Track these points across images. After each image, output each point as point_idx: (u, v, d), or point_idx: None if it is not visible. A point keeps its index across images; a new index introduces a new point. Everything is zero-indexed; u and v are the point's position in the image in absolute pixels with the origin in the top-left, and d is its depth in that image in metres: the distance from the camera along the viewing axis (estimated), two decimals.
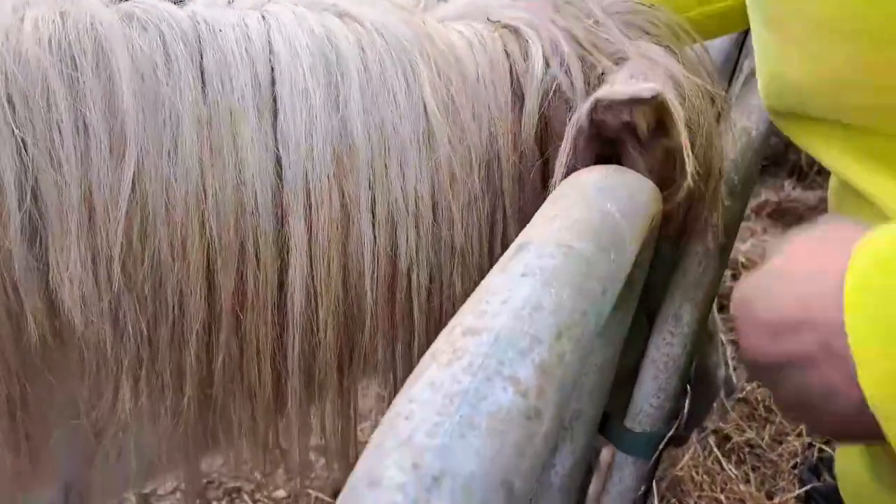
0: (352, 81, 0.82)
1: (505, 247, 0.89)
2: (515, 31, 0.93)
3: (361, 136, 0.82)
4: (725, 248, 1.02)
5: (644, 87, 0.79)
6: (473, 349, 0.45)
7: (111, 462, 0.94)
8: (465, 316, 0.49)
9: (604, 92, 0.82)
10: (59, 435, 0.88)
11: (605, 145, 0.87)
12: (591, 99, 0.82)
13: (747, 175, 1.07)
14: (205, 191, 0.77)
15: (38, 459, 0.86)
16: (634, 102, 0.80)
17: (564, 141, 0.85)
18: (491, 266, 0.90)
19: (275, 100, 0.80)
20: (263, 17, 0.84)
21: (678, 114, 0.81)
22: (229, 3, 0.87)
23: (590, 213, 0.65)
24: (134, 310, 0.77)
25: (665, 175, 0.87)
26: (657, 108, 0.80)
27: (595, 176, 0.75)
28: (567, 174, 0.84)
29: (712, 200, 0.96)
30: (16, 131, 0.71)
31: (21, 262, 0.73)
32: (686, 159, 0.82)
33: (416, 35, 0.88)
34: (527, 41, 0.91)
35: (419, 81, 0.85)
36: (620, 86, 0.82)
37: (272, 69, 0.81)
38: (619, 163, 0.88)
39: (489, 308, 0.49)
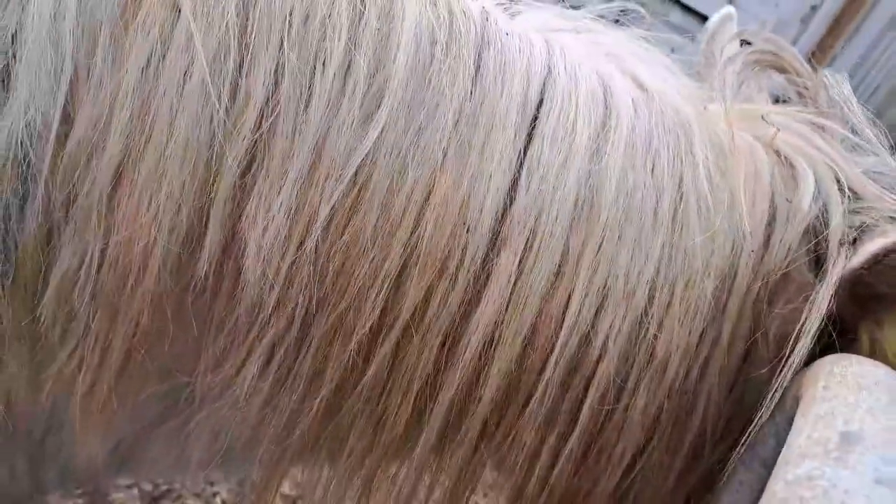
0: (620, 135, 0.73)
1: (703, 378, 0.80)
2: (787, 160, 0.83)
3: (611, 195, 0.72)
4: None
5: None
6: None
7: (181, 435, 0.82)
8: None
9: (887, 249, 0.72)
10: (151, 388, 0.77)
11: (851, 305, 0.77)
12: (890, 239, 0.71)
13: None
14: (434, 187, 0.67)
15: (123, 405, 0.75)
16: None
17: (822, 291, 0.75)
18: (685, 394, 0.81)
19: (535, 120, 0.72)
20: (548, 43, 0.76)
21: None
22: (512, 16, 0.80)
23: None
24: (309, 281, 0.67)
25: None
26: None
27: (883, 371, 0.64)
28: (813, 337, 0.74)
29: None
30: (285, 46, 0.63)
31: (227, 186, 0.64)
32: None
33: (696, 116, 0.79)
34: (795, 170, 0.82)
35: (689, 163, 0.76)
36: None
37: (543, 89, 0.73)
38: (853, 331, 0.78)
39: None
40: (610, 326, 0.73)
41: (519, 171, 0.70)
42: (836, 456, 0.49)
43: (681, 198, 0.75)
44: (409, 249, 0.68)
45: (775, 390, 0.74)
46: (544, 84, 0.73)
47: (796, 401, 0.69)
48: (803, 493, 0.44)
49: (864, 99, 5.65)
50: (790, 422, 0.70)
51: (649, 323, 0.74)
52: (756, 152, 0.82)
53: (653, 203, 0.74)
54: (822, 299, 0.76)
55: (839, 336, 0.79)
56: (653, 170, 0.74)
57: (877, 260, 0.75)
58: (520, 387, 0.74)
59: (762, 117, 0.84)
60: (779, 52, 0.92)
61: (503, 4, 0.81)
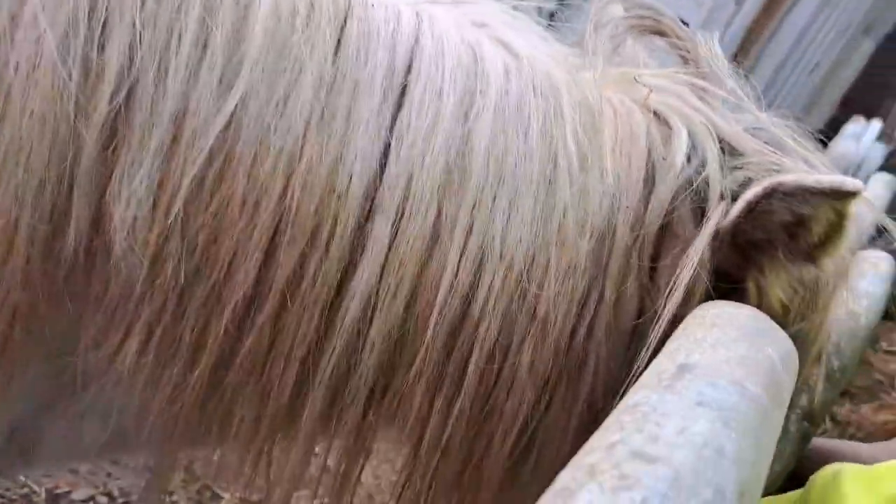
0: (488, 101, 0.75)
1: (591, 335, 0.82)
2: (663, 119, 0.86)
3: (481, 159, 0.74)
4: (806, 437, 0.90)
5: (846, 180, 0.72)
6: (648, 483, 0.38)
7: (73, 416, 0.82)
8: (630, 432, 0.43)
9: (787, 178, 0.75)
10: (36, 369, 0.77)
11: (735, 256, 0.80)
12: (766, 183, 0.74)
13: (848, 364, 0.97)
14: (300, 155, 0.68)
15: (8, 385, 0.75)
16: (828, 195, 0.73)
17: (696, 243, 0.77)
18: (572, 351, 0.83)
19: (404, 89, 0.73)
20: (418, 15, 0.77)
21: (849, 231, 0.74)
22: None
23: (756, 354, 0.57)
24: (179, 253, 0.68)
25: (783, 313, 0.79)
26: (840, 214, 0.74)
27: (746, 312, 0.67)
28: (687, 289, 0.77)
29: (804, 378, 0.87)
30: (137, 23, 0.64)
31: (88, 161, 0.64)
32: (828, 296, 0.74)
33: (567, 81, 0.81)
34: (670, 129, 0.84)
35: (559, 125, 0.78)
36: (809, 175, 0.75)
37: (412, 58, 0.74)
38: (742, 281, 0.81)
39: (662, 434, 0.43)
40: (489, 288, 0.75)
41: (389, 138, 0.72)
42: (666, 384, 0.51)
43: (552, 161, 0.76)
44: (277, 218, 0.69)
45: (650, 343, 0.77)
46: (412, 53, 0.74)
47: None
48: (624, 419, 0.46)
49: (805, 75, 5.74)
50: None
51: (528, 284, 0.76)
52: (632, 114, 0.85)
53: (525, 166, 0.75)
54: (696, 250, 0.79)
55: (732, 289, 0.82)
56: (525, 134, 0.76)
57: (750, 208, 0.77)
58: (403, 351, 0.75)
59: (635, 79, 0.87)
60: (657, 16, 0.95)
61: None
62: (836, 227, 0.76)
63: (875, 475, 0.74)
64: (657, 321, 0.78)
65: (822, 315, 0.85)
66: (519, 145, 0.76)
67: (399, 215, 0.72)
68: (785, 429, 0.86)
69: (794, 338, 0.84)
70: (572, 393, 0.82)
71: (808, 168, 0.85)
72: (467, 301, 0.75)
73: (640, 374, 0.75)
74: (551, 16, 1.04)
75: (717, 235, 0.80)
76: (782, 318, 0.82)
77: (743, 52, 4.38)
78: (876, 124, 4.15)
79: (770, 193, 0.76)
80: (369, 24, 0.73)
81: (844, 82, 6.20)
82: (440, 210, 0.73)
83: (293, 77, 0.69)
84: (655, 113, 0.86)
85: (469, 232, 0.74)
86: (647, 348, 0.77)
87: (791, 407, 0.87)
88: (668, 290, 0.79)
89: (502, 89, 0.76)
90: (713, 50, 0.90)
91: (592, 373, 0.82)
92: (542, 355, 0.78)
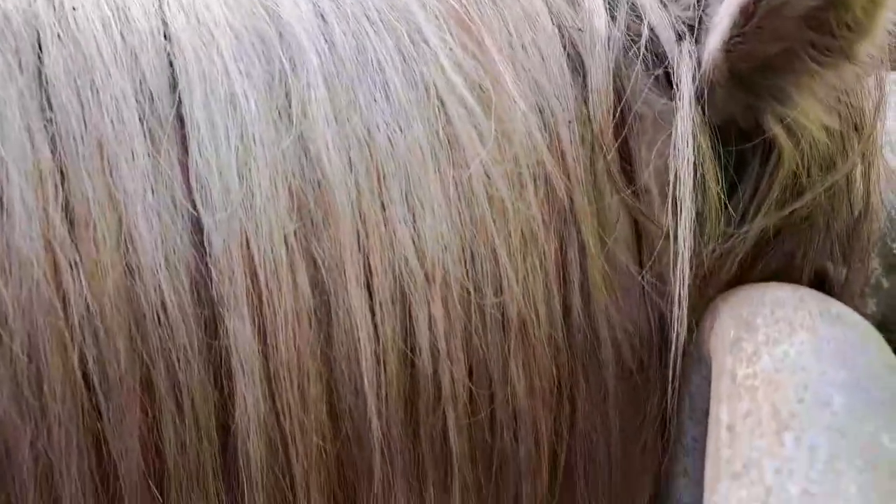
0: (310, 70, 0.49)
1: (589, 302, 0.59)
2: None
3: (336, 160, 0.49)
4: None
5: None
6: None
7: None
8: None
9: None
10: None
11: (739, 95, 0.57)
12: None
13: None
14: (57, 283, 0.42)
15: None
16: None
17: (678, 117, 0.55)
18: (568, 336, 0.61)
19: (181, 118, 0.47)
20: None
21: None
22: None
23: None
24: None
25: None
26: None
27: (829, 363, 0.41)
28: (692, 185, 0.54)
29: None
30: None
31: None
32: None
33: None
34: None
35: (426, 54, 0.52)
36: None
37: (171, 65, 0.48)
38: (759, 121, 0.57)
39: None
40: (430, 327, 0.52)
41: (192, 200, 0.47)
42: None
43: (439, 115, 0.51)
44: (80, 395, 0.45)
45: (678, 320, 0.56)
46: (168, 57, 0.48)
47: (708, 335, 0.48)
48: None
49: None
50: (708, 358, 0.49)
51: (480, 292, 0.53)
52: None
53: (404, 142, 0.50)
54: (685, 126, 0.55)
55: (747, 145, 0.59)
56: (385, 95, 0.50)
57: (748, 14, 0.53)
58: (354, 466, 0.52)
59: None
60: None
61: None
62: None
63: None
64: (673, 245, 0.55)
65: (871, 143, 0.61)
66: (383, 116, 0.50)
67: (254, 301, 0.47)
68: None
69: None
70: (596, 388, 0.60)
71: None
72: (408, 359, 0.51)
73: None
74: None
75: (701, 89, 0.56)
76: (834, 155, 0.59)
77: None
78: None
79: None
80: (77, 43, 0.46)
81: None
82: (313, 261, 0.48)
83: None
84: None
85: (369, 270, 0.49)
86: (678, 285, 0.55)
87: None
88: (669, 199, 0.56)
89: (323, 48, 0.50)
90: None
91: (612, 349, 0.59)
92: (539, 366, 0.56)
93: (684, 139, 0.55)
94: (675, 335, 0.55)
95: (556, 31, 0.57)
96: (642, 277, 0.58)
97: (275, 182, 0.47)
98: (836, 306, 0.43)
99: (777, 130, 0.57)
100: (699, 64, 0.56)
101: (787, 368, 0.35)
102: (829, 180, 0.59)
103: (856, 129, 0.59)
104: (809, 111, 0.56)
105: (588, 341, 0.58)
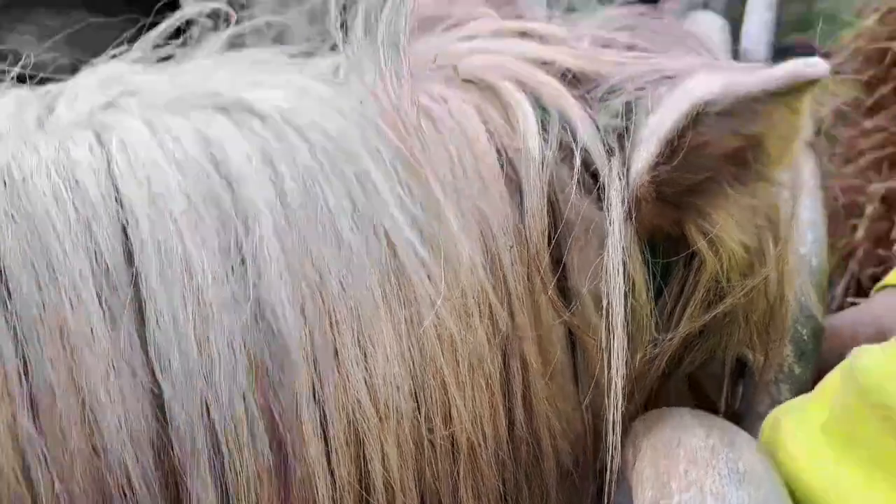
0: (262, 228, 0.50)
1: (529, 414, 0.62)
2: (490, 90, 0.62)
3: (290, 314, 0.50)
4: None
5: (805, 65, 0.51)
6: None
7: None
8: None
9: (715, 88, 0.53)
10: None
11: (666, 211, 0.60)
12: (683, 105, 0.53)
13: (817, 325, 0.75)
14: (28, 482, 0.43)
15: None
16: (784, 93, 0.52)
17: (611, 239, 0.57)
18: (512, 450, 0.63)
19: (138, 290, 0.47)
20: (99, 139, 0.50)
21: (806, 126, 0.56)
22: (40, 122, 0.53)
23: None
24: None
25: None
26: (795, 110, 0.54)
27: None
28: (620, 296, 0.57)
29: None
30: None
31: None
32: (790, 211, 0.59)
33: (360, 122, 0.56)
34: (509, 103, 0.61)
35: (375, 200, 0.53)
36: (740, 75, 0.54)
37: (125, 233, 0.48)
38: (683, 234, 0.61)
39: None
40: (384, 464, 0.53)
41: (153, 375, 0.48)
42: None
43: (389, 257, 0.53)
44: None
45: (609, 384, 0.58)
46: (124, 230, 0.48)
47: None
48: None
49: None
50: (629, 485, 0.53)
51: (430, 425, 0.55)
52: (456, 111, 0.60)
53: (357, 288, 0.52)
54: (616, 242, 0.58)
55: (673, 250, 0.62)
56: (337, 242, 0.52)
57: (671, 148, 0.56)
58: None
59: (435, 62, 0.62)
60: None
61: None
62: (792, 129, 0.56)
63: (802, 409, 0.59)
64: (606, 356, 0.58)
65: (786, 248, 0.66)
66: (335, 262, 0.51)
67: (218, 466, 0.48)
68: None
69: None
70: (539, 494, 0.63)
71: (704, 59, 0.64)
72: (362, 499, 0.53)
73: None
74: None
75: (631, 204, 0.59)
76: (752, 269, 0.63)
77: None
78: None
79: (696, 119, 0.54)
80: (31, 220, 0.45)
81: None
82: (272, 422, 0.49)
83: None
84: (479, 88, 0.63)
85: (324, 418, 0.51)
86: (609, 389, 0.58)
87: (774, 406, 0.69)
88: (603, 309, 0.59)
89: (275, 201, 0.51)
90: None
91: (553, 456, 0.62)
92: (487, 485, 0.58)
93: (616, 255, 0.58)
94: (610, 443, 0.58)
95: (496, 153, 0.59)
96: (579, 386, 0.62)
97: (233, 346, 0.48)
98: (744, 460, 0.46)
99: (700, 243, 0.60)
100: (628, 181, 0.59)
101: None
102: (748, 285, 0.63)
103: (773, 238, 0.64)
104: (727, 229, 0.60)
105: (531, 452, 0.61)
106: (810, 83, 0.52)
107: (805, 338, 0.72)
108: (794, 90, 0.52)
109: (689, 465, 0.47)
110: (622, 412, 0.62)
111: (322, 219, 0.52)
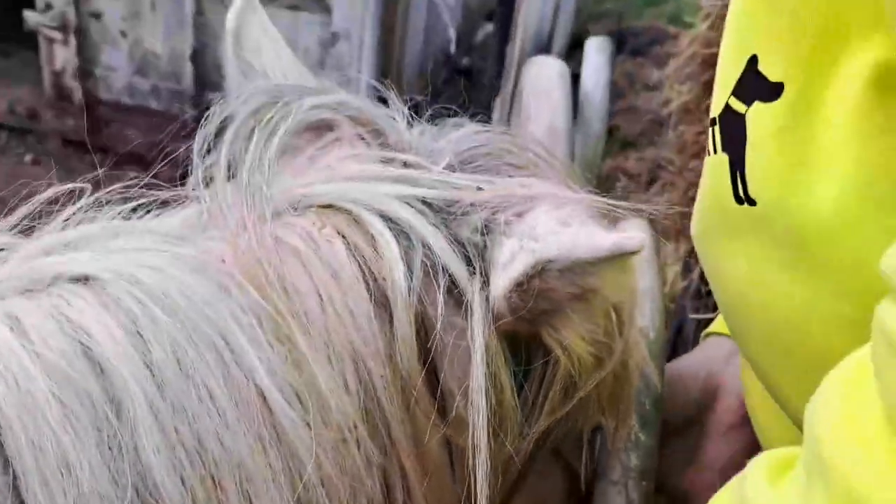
0: (135, 403, 0.52)
1: None
2: (354, 223, 0.65)
3: (171, 486, 0.52)
4: (648, 497, 0.79)
5: (625, 241, 0.58)
6: None
7: None
8: None
9: (553, 251, 0.59)
10: None
11: (522, 325, 0.66)
12: (530, 259, 0.59)
13: (657, 393, 0.83)
14: None
15: None
16: (610, 260, 0.59)
17: (474, 343, 0.63)
18: None
19: (17, 493, 0.48)
20: None
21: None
22: None
23: None
24: None
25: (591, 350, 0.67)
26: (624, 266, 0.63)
27: None
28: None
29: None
30: None
31: None
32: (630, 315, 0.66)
33: (221, 282, 0.58)
34: (372, 235, 0.64)
35: (243, 361, 0.56)
36: (577, 238, 0.60)
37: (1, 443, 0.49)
38: (540, 341, 0.67)
39: None
40: None
41: None
42: None
43: (262, 418, 0.56)
44: None
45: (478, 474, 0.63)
46: None
47: None
48: None
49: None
50: None
51: None
52: (325, 251, 0.63)
53: (242, 443, 0.55)
54: (479, 357, 0.63)
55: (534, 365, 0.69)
56: (213, 403, 0.54)
57: (520, 286, 0.62)
58: None
59: (302, 202, 0.65)
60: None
61: None
62: (623, 282, 0.64)
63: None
64: (473, 460, 0.64)
65: (628, 334, 0.72)
66: (213, 426, 0.54)
67: None
68: (629, 499, 0.77)
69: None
70: None
71: (548, 184, 0.69)
72: None
73: None
74: None
75: (491, 320, 0.64)
76: (601, 364, 0.70)
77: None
78: None
79: (541, 272, 0.60)
80: None
81: None
82: None
83: None
84: (345, 221, 0.66)
85: None
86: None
87: (625, 473, 0.77)
88: (471, 416, 0.64)
89: (145, 376, 0.52)
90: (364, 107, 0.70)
91: None
92: None
93: (480, 368, 0.63)
94: None
95: (363, 283, 0.62)
96: (455, 475, 0.68)
97: None
98: None
99: (556, 350, 0.67)
100: (488, 300, 0.65)
101: None
102: (598, 377, 0.70)
103: (618, 329, 0.70)
104: (575, 341, 0.66)
105: None
106: (633, 253, 0.58)
107: (647, 407, 0.80)
108: (620, 256, 0.58)
109: None
110: (495, 491, 0.68)
111: (195, 386, 0.54)
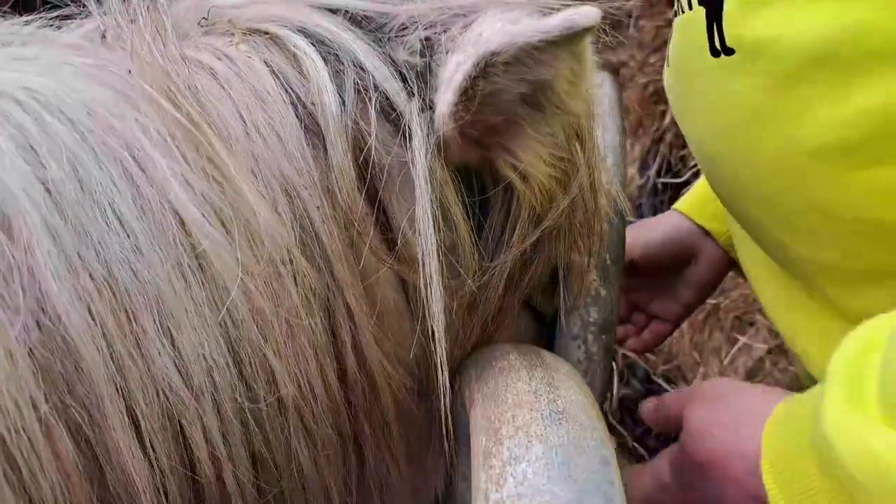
0: (29, 227, 0.45)
1: (360, 359, 0.60)
2: (275, 43, 0.58)
3: (76, 318, 0.46)
4: (609, 350, 0.75)
5: (576, 16, 0.52)
6: None
7: None
8: None
9: (497, 39, 0.53)
10: None
11: (472, 149, 0.60)
12: (472, 56, 0.53)
13: (619, 250, 0.79)
14: None
15: None
16: (563, 41, 0.52)
17: (416, 167, 0.56)
18: (348, 398, 0.63)
19: None
20: None
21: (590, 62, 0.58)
22: None
23: None
24: None
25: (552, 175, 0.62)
26: (579, 55, 0.56)
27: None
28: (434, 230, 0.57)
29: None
30: None
31: None
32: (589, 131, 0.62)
33: (123, 92, 0.51)
34: (296, 54, 0.57)
35: (155, 178, 0.49)
36: (522, 26, 0.53)
37: None
38: (494, 168, 0.62)
39: None
40: (206, 437, 0.52)
41: None
42: None
43: (179, 238, 0.50)
44: None
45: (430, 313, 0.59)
46: None
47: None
48: None
49: None
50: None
51: (254, 386, 0.54)
52: (247, 71, 0.56)
53: (158, 269, 0.49)
54: (423, 182, 0.57)
55: (489, 193, 0.63)
56: (122, 225, 0.48)
57: (466, 95, 0.55)
58: None
59: (207, 17, 0.57)
60: None
61: None
62: (577, 71, 0.57)
63: None
64: (425, 291, 0.59)
65: (593, 158, 0.67)
66: (122, 251, 0.48)
67: (17, 483, 0.45)
68: (588, 352, 0.72)
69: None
70: (381, 431, 0.64)
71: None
72: (187, 478, 0.52)
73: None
74: None
75: (437, 144, 0.58)
76: (565, 189, 0.64)
77: None
78: None
79: (485, 70, 0.54)
80: None
81: None
82: (72, 422, 0.46)
83: None
84: (263, 41, 0.58)
85: (129, 407, 0.48)
86: (437, 329, 0.59)
87: (584, 327, 0.72)
88: (420, 252, 0.58)
89: (43, 196, 0.46)
90: None
91: (390, 392, 0.63)
92: (322, 435, 0.58)
93: (424, 195, 0.57)
94: (440, 374, 0.59)
95: (291, 107, 0.56)
96: (414, 319, 0.62)
97: (13, 358, 0.44)
98: (563, 398, 0.48)
99: (512, 176, 0.61)
100: (432, 124, 0.58)
101: (527, 493, 0.40)
102: (563, 205, 0.64)
103: (579, 148, 0.65)
104: (534, 164, 0.60)
105: (366, 394, 0.61)
106: (586, 30, 0.51)
107: (607, 262, 0.75)
108: (571, 37, 0.52)
109: (516, 410, 0.48)
110: (460, 340, 0.64)
111: (99, 207, 0.48)
